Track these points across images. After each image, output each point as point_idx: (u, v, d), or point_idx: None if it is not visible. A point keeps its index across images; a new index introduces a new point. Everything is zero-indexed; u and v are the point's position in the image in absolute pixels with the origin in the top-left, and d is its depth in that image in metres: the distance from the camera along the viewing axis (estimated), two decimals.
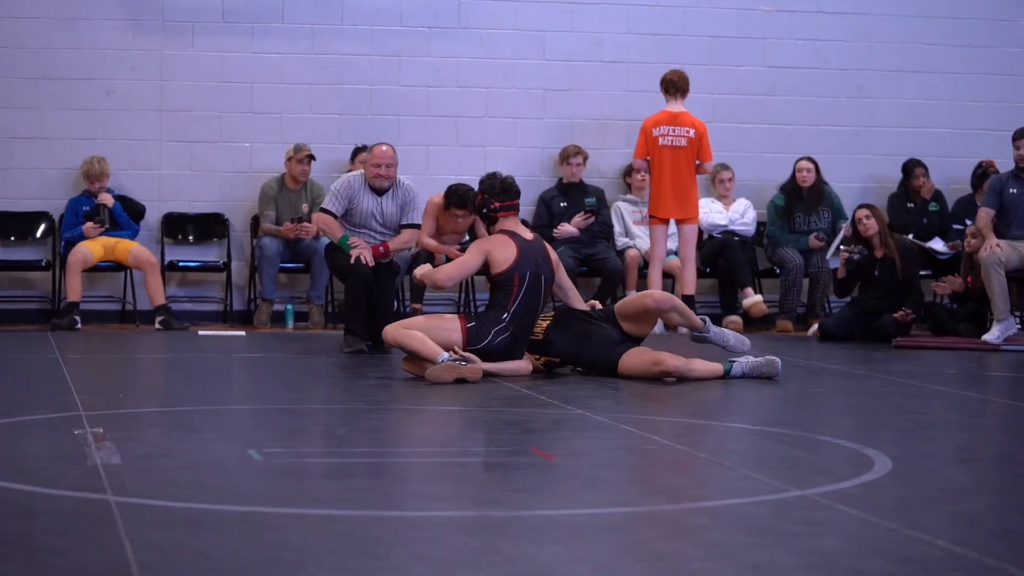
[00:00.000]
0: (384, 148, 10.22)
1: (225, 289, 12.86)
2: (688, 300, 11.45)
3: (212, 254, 12.92)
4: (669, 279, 12.53)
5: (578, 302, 8.98)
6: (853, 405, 8.08)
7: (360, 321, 10.06)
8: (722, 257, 12.86)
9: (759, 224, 13.23)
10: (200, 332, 11.78)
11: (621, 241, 12.93)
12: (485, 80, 13.16)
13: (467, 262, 8.65)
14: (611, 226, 12.97)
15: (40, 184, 12.61)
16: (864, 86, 13.65)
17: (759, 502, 4.96)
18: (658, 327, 11.14)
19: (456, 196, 10.57)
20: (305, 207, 12.32)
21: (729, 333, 8.99)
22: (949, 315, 11.89)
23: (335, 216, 10.13)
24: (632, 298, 9.07)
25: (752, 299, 12.60)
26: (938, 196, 13.39)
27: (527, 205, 13.09)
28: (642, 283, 12.16)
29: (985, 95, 13.70)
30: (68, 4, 12.60)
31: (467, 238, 11.08)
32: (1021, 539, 4.55)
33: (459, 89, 13.12)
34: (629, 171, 13.03)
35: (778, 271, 12.94)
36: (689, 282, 11.98)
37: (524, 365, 8.66)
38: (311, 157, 12.48)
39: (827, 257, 12.72)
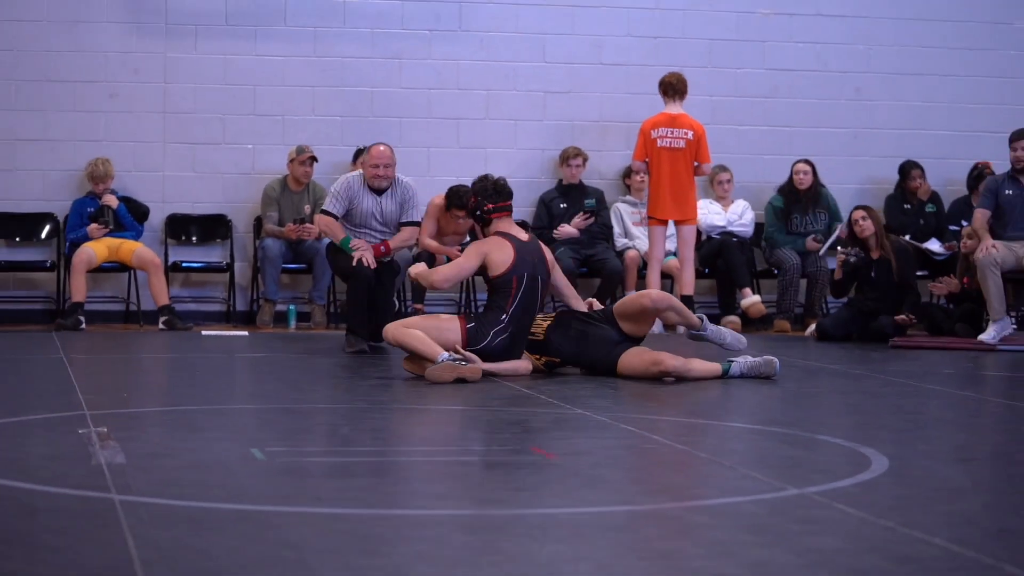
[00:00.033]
0: (382, 148, 10.20)
1: (228, 290, 12.86)
2: (687, 300, 11.46)
3: (215, 255, 12.93)
4: (668, 280, 12.54)
5: (576, 301, 8.98)
6: (851, 405, 8.08)
7: (361, 322, 10.06)
8: (720, 258, 12.87)
9: (757, 225, 13.23)
10: (203, 332, 11.79)
11: (620, 242, 12.93)
12: (486, 82, 13.16)
13: (464, 264, 8.66)
14: (611, 227, 12.98)
15: (44, 186, 12.62)
16: (862, 88, 13.65)
17: (758, 501, 4.96)
18: (657, 327, 11.14)
19: (457, 197, 10.58)
20: (307, 208, 12.32)
21: (726, 331, 8.99)
22: (945, 315, 11.89)
23: (336, 217, 10.13)
24: (630, 298, 9.07)
25: (750, 299, 12.60)
26: (935, 197, 13.40)
27: (528, 206, 13.13)
28: (641, 283, 12.16)
29: (982, 97, 13.71)
30: (72, 7, 12.60)
31: (468, 239, 11.08)
32: (1017, 538, 4.55)
33: (460, 91, 13.13)
34: (628, 173, 13.03)
35: (776, 272, 12.95)
36: (688, 283, 11.99)
37: (524, 365, 8.67)
38: (313, 159, 12.48)
39: (819, 254, 12.73)
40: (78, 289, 11.93)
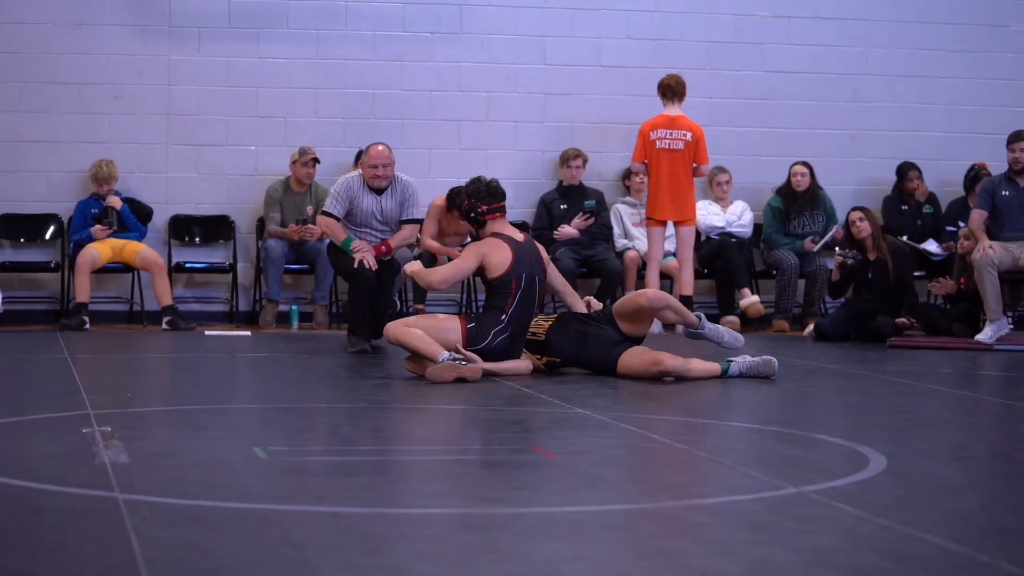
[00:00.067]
0: (380, 148, 10.16)
1: (231, 290, 12.86)
2: (686, 300, 11.46)
3: (218, 256, 12.93)
4: (667, 280, 12.53)
5: (573, 298, 9.00)
6: (849, 404, 8.07)
7: (363, 322, 10.06)
8: (720, 258, 12.87)
9: (756, 226, 13.24)
10: (206, 332, 11.79)
11: (620, 243, 12.93)
12: (487, 84, 13.16)
13: (462, 266, 8.66)
14: (610, 228, 12.98)
15: (49, 187, 12.62)
16: (860, 91, 13.65)
17: (757, 499, 4.96)
18: (656, 327, 11.15)
19: (459, 198, 10.57)
20: (310, 209, 12.32)
21: (723, 330, 8.99)
22: (943, 315, 11.89)
23: (337, 218, 10.11)
24: (627, 298, 9.06)
25: (749, 299, 12.61)
26: (932, 199, 13.40)
27: (528, 207, 13.14)
28: (641, 284, 12.15)
29: (979, 99, 13.71)
30: (76, 9, 12.61)
31: (469, 240, 11.07)
32: (1014, 536, 4.55)
33: (461, 93, 13.13)
34: (628, 174, 13.03)
35: (774, 272, 12.94)
36: (687, 283, 11.99)
37: (524, 364, 8.67)
38: (316, 160, 12.49)
39: (814, 250, 12.75)
40: (82, 289, 11.93)
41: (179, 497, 4.86)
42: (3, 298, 11.97)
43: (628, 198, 13.09)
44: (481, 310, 8.82)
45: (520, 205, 13.18)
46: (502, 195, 8.73)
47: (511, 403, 7.58)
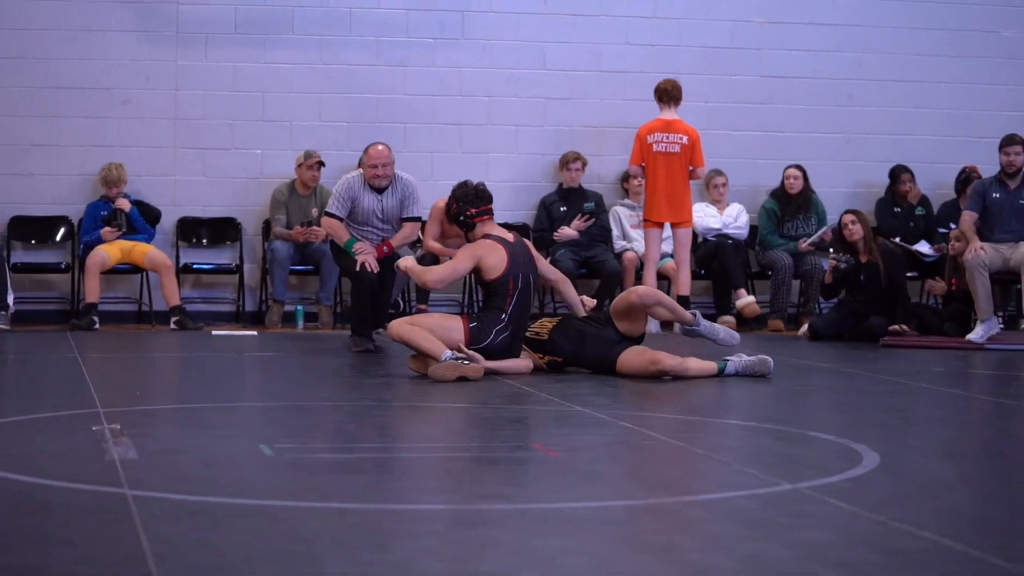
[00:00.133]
0: (380, 148, 10.12)
1: (238, 291, 12.87)
2: (683, 301, 11.44)
3: (225, 257, 12.93)
4: (665, 281, 12.53)
5: (566, 285, 9.03)
6: (842, 402, 8.07)
7: (365, 323, 10.06)
8: (716, 259, 12.87)
9: (752, 228, 13.24)
10: (213, 332, 11.79)
11: (619, 244, 12.93)
12: (488, 89, 13.16)
13: (457, 267, 8.66)
14: (609, 230, 12.98)
15: (59, 190, 12.62)
16: (854, 95, 13.65)
17: (753, 495, 4.97)
18: (654, 326, 11.16)
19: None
20: (315, 212, 12.32)
21: (719, 327, 9.00)
22: (934, 315, 11.89)
23: (340, 219, 10.08)
24: (620, 296, 9.04)
25: (745, 300, 12.61)
26: (924, 201, 13.40)
27: (528, 210, 13.14)
28: (639, 284, 12.15)
29: (970, 104, 13.71)
30: (86, 16, 12.61)
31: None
32: (1004, 531, 4.55)
33: (463, 98, 13.13)
34: (627, 177, 13.04)
35: (769, 273, 12.95)
36: (684, 283, 11.99)
37: (524, 363, 8.67)
38: (320, 163, 12.49)
39: (803, 245, 12.77)
40: (92, 290, 11.93)
41: (187, 493, 4.86)
42: (14, 299, 11.98)
43: (627, 200, 13.10)
44: (479, 310, 8.81)
45: (520, 207, 13.19)
46: (489, 198, 8.74)
47: (512, 401, 7.58)
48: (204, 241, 12.89)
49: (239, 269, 12.81)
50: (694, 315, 8.88)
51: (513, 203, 13.15)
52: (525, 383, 8.20)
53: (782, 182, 13.09)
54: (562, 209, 12.89)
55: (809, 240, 12.80)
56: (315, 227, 12.13)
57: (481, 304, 8.87)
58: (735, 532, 4.42)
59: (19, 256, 12.61)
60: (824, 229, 12.82)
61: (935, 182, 13.58)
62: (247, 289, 12.87)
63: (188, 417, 7.02)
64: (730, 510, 4.80)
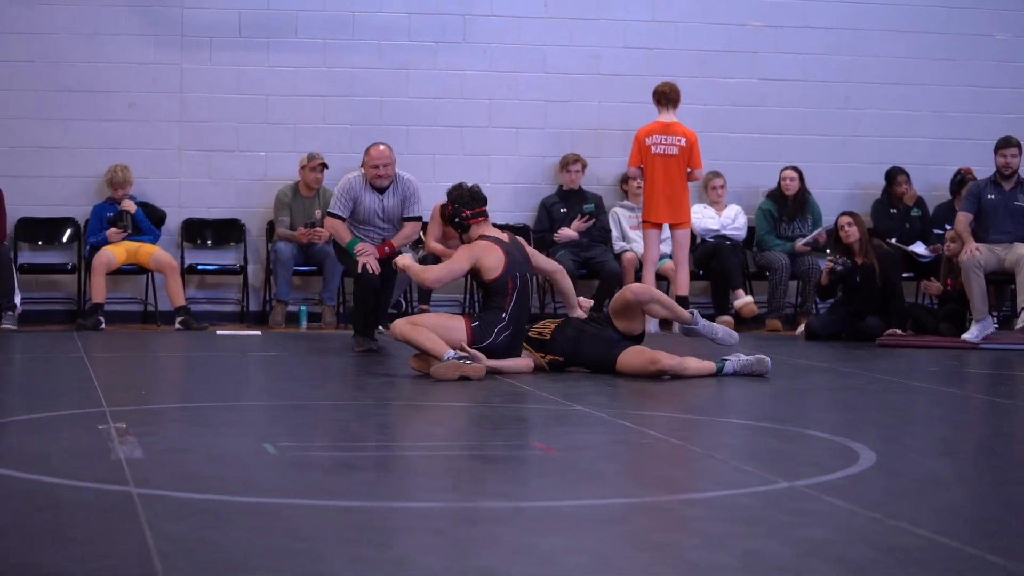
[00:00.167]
0: (381, 148, 10.09)
1: (242, 291, 12.86)
2: (682, 301, 11.43)
3: (229, 258, 12.93)
4: (664, 281, 12.52)
5: (562, 274, 9.05)
6: (839, 401, 8.06)
7: (368, 324, 10.05)
8: (714, 260, 12.87)
9: (749, 229, 13.24)
10: (218, 332, 11.78)
11: (618, 245, 12.93)
12: (489, 92, 13.16)
13: (455, 267, 8.66)
14: (609, 231, 12.98)
15: (66, 191, 12.62)
16: (849, 98, 13.65)
17: (751, 493, 4.96)
18: (653, 326, 11.15)
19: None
20: (318, 213, 12.31)
21: (718, 327, 9.00)
22: (930, 315, 11.88)
23: (342, 219, 10.05)
24: (616, 295, 9.03)
25: (743, 300, 12.61)
26: (920, 202, 13.40)
27: (529, 211, 13.14)
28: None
29: (965, 106, 13.71)
30: (93, 21, 12.61)
31: None
32: (999, 529, 4.55)
33: (464, 100, 13.12)
34: (626, 178, 13.03)
35: (766, 273, 12.94)
36: (682, 284, 11.99)
37: (525, 363, 8.67)
38: (324, 165, 12.49)
39: (799, 245, 12.77)
40: (98, 291, 11.93)
41: (192, 491, 4.85)
42: (22, 299, 11.97)
43: (626, 202, 13.09)
44: (480, 310, 8.81)
45: (521, 209, 13.19)
46: (484, 200, 8.75)
47: (513, 400, 7.57)
48: (209, 242, 12.88)
49: (243, 270, 12.80)
50: (692, 314, 8.88)
51: (514, 204, 13.16)
52: (526, 382, 8.19)
53: (778, 183, 13.09)
54: (562, 210, 12.88)
55: (804, 240, 12.81)
56: (318, 228, 12.12)
57: (481, 304, 8.86)
58: (734, 530, 4.41)
59: (26, 257, 12.60)
60: (819, 231, 12.82)
61: (930, 184, 13.58)
62: (251, 289, 12.87)
63: (193, 416, 7.01)
64: (729, 508, 4.79)
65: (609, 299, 11.79)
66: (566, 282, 9.09)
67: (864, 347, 10.93)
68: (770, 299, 12.80)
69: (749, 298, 12.64)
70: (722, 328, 9.02)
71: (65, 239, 12.67)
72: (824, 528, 4.44)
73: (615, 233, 12.99)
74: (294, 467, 5.49)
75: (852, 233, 11.55)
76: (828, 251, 12.05)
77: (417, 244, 12.04)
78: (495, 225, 9.02)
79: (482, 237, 8.65)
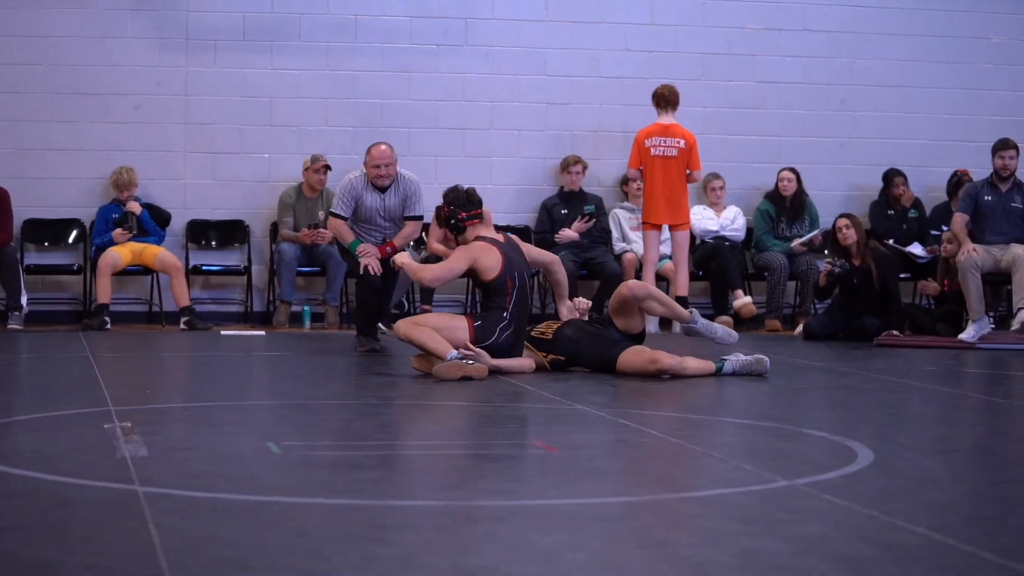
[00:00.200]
0: (383, 148, 10.07)
1: (246, 291, 12.87)
2: (682, 301, 11.41)
3: (234, 259, 12.93)
4: (664, 282, 12.52)
5: (557, 264, 9.05)
6: (837, 400, 8.07)
7: (370, 324, 10.05)
8: (714, 261, 12.87)
9: (748, 230, 13.23)
10: (222, 332, 11.79)
11: (619, 246, 12.93)
12: (490, 94, 13.16)
13: (453, 267, 8.66)
14: (609, 232, 12.98)
15: (72, 193, 12.62)
16: (847, 100, 13.64)
17: (749, 492, 4.96)
18: (653, 326, 11.15)
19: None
20: (321, 214, 12.32)
21: (717, 326, 9.01)
22: (927, 315, 11.88)
23: (345, 218, 10.04)
24: (614, 293, 9.03)
25: (742, 300, 12.61)
26: (917, 204, 13.39)
27: (530, 212, 13.14)
28: None
29: (961, 108, 13.70)
30: (100, 24, 12.61)
31: None
32: (995, 526, 4.55)
33: (466, 103, 13.13)
34: (626, 180, 13.03)
35: (765, 274, 12.94)
36: (682, 284, 11.99)
37: (527, 363, 8.68)
38: (327, 167, 12.49)
39: (795, 245, 12.78)
40: (103, 291, 11.93)
41: (196, 490, 4.86)
42: (28, 299, 11.98)
43: (626, 203, 13.09)
44: (480, 310, 8.81)
45: (522, 210, 13.19)
46: (479, 202, 8.75)
47: (514, 400, 7.58)
48: (213, 243, 12.89)
49: (247, 270, 12.81)
50: (691, 312, 8.89)
51: (515, 206, 13.16)
52: (527, 382, 8.19)
53: (776, 184, 13.10)
54: (563, 211, 12.88)
55: (800, 240, 12.81)
56: (321, 229, 12.13)
57: (481, 305, 8.87)
58: (732, 528, 4.42)
59: (32, 258, 12.61)
60: (815, 232, 12.82)
61: (927, 185, 13.58)
62: (255, 290, 12.87)
63: (197, 415, 7.01)
64: (727, 506, 4.79)
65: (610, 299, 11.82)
66: (561, 273, 9.09)
67: (861, 347, 10.93)
68: (769, 299, 12.80)
69: (748, 299, 12.64)
70: (721, 327, 9.03)
71: (71, 240, 12.67)
72: (822, 526, 4.44)
73: (615, 234, 12.99)
74: (298, 466, 5.50)
75: (849, 235, 11.54)
76: (826, 252, 12.04)
77: (420, 245, 12.05)
78: (499, 227, 9.03)
79: (478, 238, 8.66)
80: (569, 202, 12.93)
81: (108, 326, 11.83)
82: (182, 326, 11.96)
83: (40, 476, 5.04)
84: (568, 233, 12.68)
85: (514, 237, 8.99)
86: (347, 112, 12.95)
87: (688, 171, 11.95)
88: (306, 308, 12.39)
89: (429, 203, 10.53)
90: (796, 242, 12.84)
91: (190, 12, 12.74)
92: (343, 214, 10.02)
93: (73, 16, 12.57)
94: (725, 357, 8.57)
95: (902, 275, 12.42)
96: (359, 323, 10.18)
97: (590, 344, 8.64)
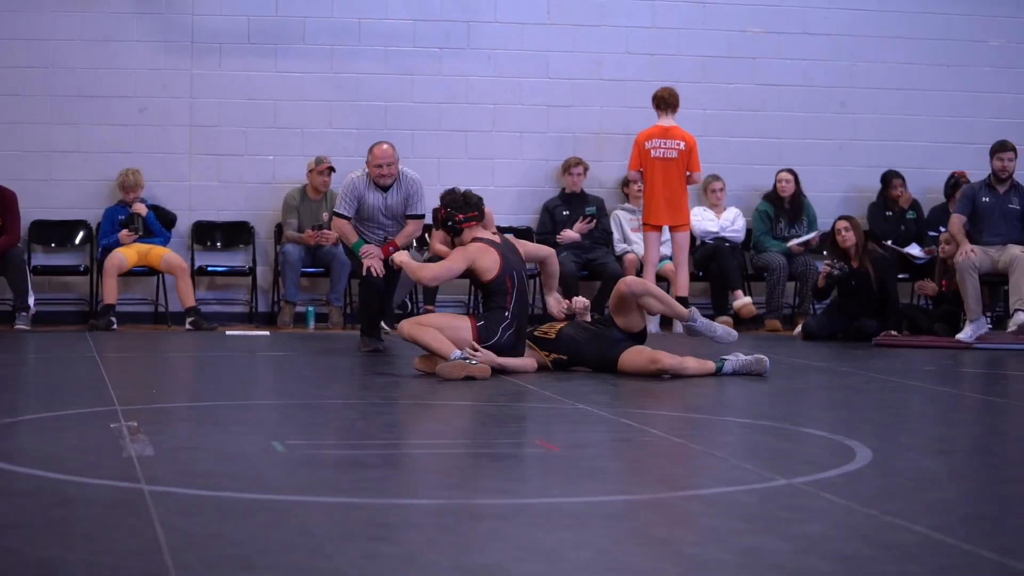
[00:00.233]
0: (385, 147, 10.05)
1: (251, 292, 12.87)
2: (682, 302, 11.39)
3: (239, 259, 12.93)
4: (664, 282, 12.52)
5: (553, 260, 9.06)
6: (836, 400, 8.06)
7: (374, 325, 10.05)
8: (714, 261, 12.86)
9: (748, 231, 13.23)
10: (227, 332, 11.78)
11: (620, 247, 12.93)
12: (493, 97, 13.15)
13: (452, 266, 8.66)
14: (610, 233, 12.98)
15: (79, 194, 12.62)
16: (847, 103, 13.64)
17: (750, 490, 4.96)
18: (654, 327, 11.14)
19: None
20: (325, 215, 12.32)
21: (716, 325, 9.02)
22: (925, 316, 11.88)
23: (348, 218, 10.03)
24: (613, 291, 9.02)
25: (742, 301, 12.61)
26: (915, 205, 13.39)
27: (532, 213, 13.14)
28: None
29: (959, 111, 13.70)
30: (105, 27, 12.61)
31: None
32: (993, 525, 4.54)
33: (468, 105, 13.12)
34: (627, 182, 13.03)
35: (764, 274, 12.93)
36: (682, 285, 11.98)
37: (530, 362, 8.68)
38: (331, 169, 12.49)
39: (792, 245, 12.78)
40: (110, 292, 11.93)
41: (201, 488, 4.85)
42: (35, 300, 11.98)
43: (627, 204, 13.09)
44: (482, 310, 8.82)
45: (524, 211, 13.19)
46: (475, 205, 8.73)
47: (516, 399, 7.57)
48: (218, 244, 12.89)
49: (252, 271, 12.81)
50: (690, 310, 8.89)
51: (517, 207, 13.16)
52: (529, 381, 8.19)
53: (774, 186, 13.09)
54: (564, 213, 12.88)
55: (797, 240, 12.80)
56: (326, 231, 12.13)
57: (482, 305, 8.87)
58: (733, 526, 4.41)
59: (40, 259, 12.61)
60: (813, 234, 12.80)
61: (925, 187, 13.57)
62: (260, 291, 12.87)
63: (203, 415, 7.01)
64: (728, 504, 4.79)
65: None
66: (554, 266, 9.12)
67: (860, 347, 10.92)
68: (768, 300, 12.80)
69: (748, 299, 12.64)
70: (721, 326, 9.04)
71: (78, 241, 12.67)
72: (821, 524, 4.44)
73: (616, 235, 12.99)
74: (302, 464, 5.50)
75: (849, 238, 11.53)
76: (825, 253, 12.03)
77: (422, 245, 12.04)
78: (516, 230, 9.04)
79: (475, 240, 8.66)
80: (571, 203, 12.92)
81: (114, 326, 11.83)
82: (187, 326, 11.96)
83: (46, 475, 5.04)
84: (569, 234, 12.67)
85: (509, 237, 9.00)
86: (351, 114, 12.95)
87: (688, 173, 11.95)
88: (310, 308, 12.39)
89: (432, 203, 10.52)
90: (793, 242, 12.85)
91: (195, 16, 12.74)
92: (346, 214, 10.01)
93: (79, 20, 12.57)
94: (725, 357, 8.57)
95: (900, 276, 12.41)
96: (363, 323, 10.18)
97: (591, 344, 8.65)
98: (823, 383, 8.96)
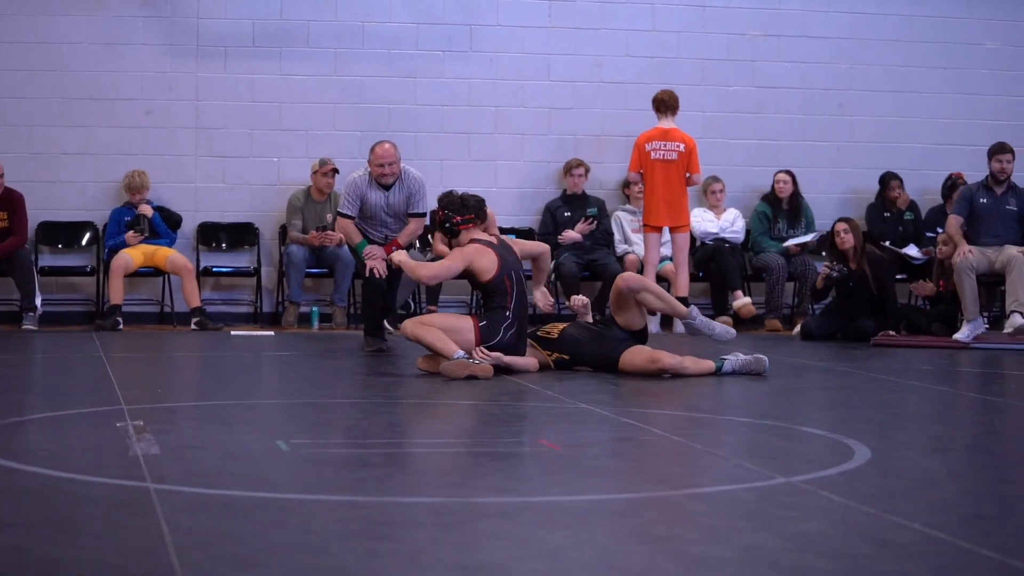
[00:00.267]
0: (387, 147, 10.02)
1: (255, 292, 12.87)
2: (682, 301, 11.39)
3: (243, 260, 12.93)
4: (664, 283, 12.51)
5: (545, 257, 9.09)
6: (835, 399, 8.05)
7: (377, 325, 10.04)
8: (713, 262, 12.86)
9: (747, 232, 13.23)
10: (232, 332, 11.78)
11: (620, 248, 12.93)
12: (495, 99, 13.15)
13: (450, 266, 8.65)
14: (611, 234, 12.98)
15: (85, 196, 12.63)
16: (845, 105, 13.64)
17: (749, 489, 4.95)
18: (654, 326, 11.14)
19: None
20: (329, 217, 12.32)
21: (716, 323, 9.05)
22: (923, 316, 11.87)
23: (352, 218, 10.02)
24: (612, 288, 9.01)
25: (741, 301, 12.61)
26: (913, 206, 13.39)
27: (533, 215, 13.14)
28: None
29: (956, 113, 13.70)
30: (112, 30, 12.62)
31: None
32: (991, 524, 4.54)
33: (471, 108, 13.12)
34: (627, 183, 13.03)
35: (763, 275, 12.93)
36: (683, 285, 11.98)
37: (532, 362, 8.68)
38: (335, 171, 12.49)
39: (790, 245, 12.78)
40: (116, 292, 11.93)
41: (207, 487, 4.85)
42: (42, 300, 11.98)
43: (628, 206, 13.09)
44: (483, 310, 8.82)
45: (526, 212, 13.19)
46: (473, 206, 8.72)
47: (518, 399, 7.57)
48: (223, 245, 12.89)
49: (257, 272, 12.81)
50: (690, 309, 8.88)
51: (519, 208, 13.16)
52: (531, 381, 8.18)
53: (772, 187, 13.10)
54: (566, 214, 12.88)
55: (795, 241, 12.81)
56: (330, 232, 12.13)
57: (483, 306, 8.87)
58: (734, 524, 4.40)
59: (46, 260, 12.61)
60: (812, 236, 12.80)
61: (923, 188, 13.57)
62: (264, 291, 12.87)
63: (208, 414, 7.01)
64: (728, 503, 4.78)
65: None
66: (546, 262, 9.21)
67: (859, 347, 10.92)
68: (767, 300, 12.79)
69: (747, 299, 12.64)
70: (720, 325, 9.08)
71: (84, 242, 12.67)
72: (820, 522, 4.43)
73: (617, 236, 12.99)
74: (306, 463, 5.49)
75: (847, 240, 11.53)
76: (823, 254, 12.02)
77: (425, 246, 12.04)
78: (518, 231, 9.05)
79: (473, 241, 8.65)
80: (572, 205, 12.92)
81: (120, 327, 11.83)
82: (193, 326, 11.96)
83: (53, 473, 5.03)
84: (571, 235, 12.68)
85: (505, 237, 9.00)
86: (354, 117, 12.95)
87: (688, 174, 11.94)
88: (314, 309, 12.39)
89: (434, 203, 10.51)
90: (790, 242, 12.84)
91: (201, 19, 12.74)
92: (350, 213, 10.01)
93: (85, 23, 12.58)
94: (725, 356, 8.56)
95: (898, 276, 12.41)
96: (366, 323, 10.18)
97: (593, 344, 8.64)
98: (822, 383, 8.95)
